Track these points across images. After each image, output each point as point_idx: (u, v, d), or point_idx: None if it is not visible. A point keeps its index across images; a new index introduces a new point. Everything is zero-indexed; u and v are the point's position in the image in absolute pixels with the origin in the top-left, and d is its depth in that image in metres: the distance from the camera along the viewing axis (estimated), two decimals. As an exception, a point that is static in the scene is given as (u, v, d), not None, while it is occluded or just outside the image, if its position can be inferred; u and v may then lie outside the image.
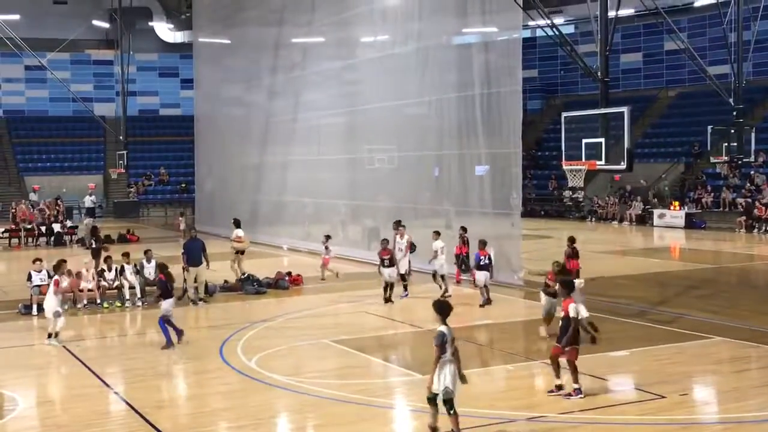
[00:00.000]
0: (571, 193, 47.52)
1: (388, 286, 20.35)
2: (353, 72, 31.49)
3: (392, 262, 20.35)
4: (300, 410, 11.86)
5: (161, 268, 16.94)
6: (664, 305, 19.48)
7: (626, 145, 18.20)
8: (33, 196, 50.65)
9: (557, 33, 21.36)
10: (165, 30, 61.31)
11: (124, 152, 48.06)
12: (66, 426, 11.24)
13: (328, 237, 25.13)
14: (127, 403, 12.20)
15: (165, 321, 15.90)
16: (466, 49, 25.76)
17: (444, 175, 26.60)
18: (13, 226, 38.63)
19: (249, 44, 38.33)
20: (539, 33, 42.05)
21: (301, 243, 32.42)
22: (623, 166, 18.46)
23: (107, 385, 13.29)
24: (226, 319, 18.84)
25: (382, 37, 29.40)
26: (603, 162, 18.84)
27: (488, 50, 24.58)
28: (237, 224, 25.89)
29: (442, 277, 21.00)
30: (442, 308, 10.33)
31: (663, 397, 11.88)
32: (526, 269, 23.12)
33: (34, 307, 19.53)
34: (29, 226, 38.73)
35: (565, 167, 20.22)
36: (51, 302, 16.28)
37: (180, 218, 39.57)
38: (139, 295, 20.74)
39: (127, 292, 20.68)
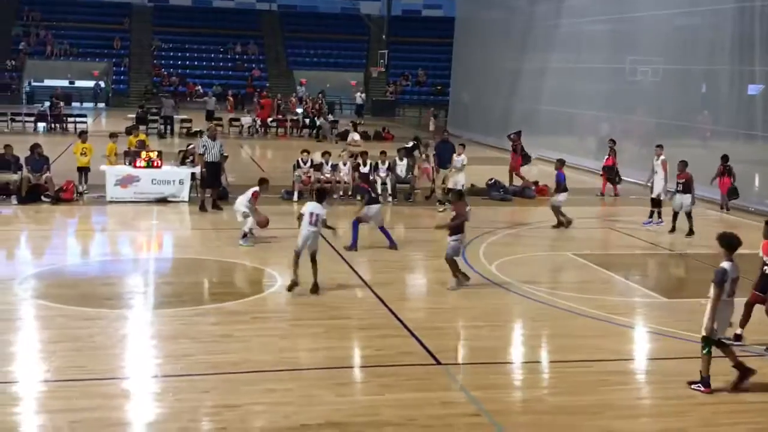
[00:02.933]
0: None
1: (677, 216, 18.30)
2: (623, -23, 30.04)
3: (687, 189, 18.06)
4: (535, 318, 12.00)
5: (364, 177, 17.34)
6: None
7: None
8: (300, 89, 53.56)
9: None
10: (433, -71, 61.38)
11: (385, 51, 49.17)
12: (317, 305, 12.13)
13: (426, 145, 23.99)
14: (372, 291, 12.93)
15: (359, 222, 15.93)
16: (750, -44, 23.66)
17: (711, 92, 24.99)
18: (280, 116, 41.24)
19: (516, -55, 37.55)
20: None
21: (551, 153, 31.99)
22: None
23: (356, 273, 14.12)
24: (470, 223, 19.15)
25: (657, -59, 27.65)
26: None
27: (776, -43, 22.43)
28: (354, 127, 25.98)
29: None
30: (730, 242, 9.24)
31: None
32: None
33: (296, 193, 21.02)
34: (295, 118, 41.22)
35: None
36: (241, 206, 16.05)
37: (431, 117, 40.29)
38: (389, 192, 21.58)
39: (379, 188, 21.56)
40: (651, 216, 19.41)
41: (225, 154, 20.44)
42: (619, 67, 29.44)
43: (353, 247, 15.68)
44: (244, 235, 15.97)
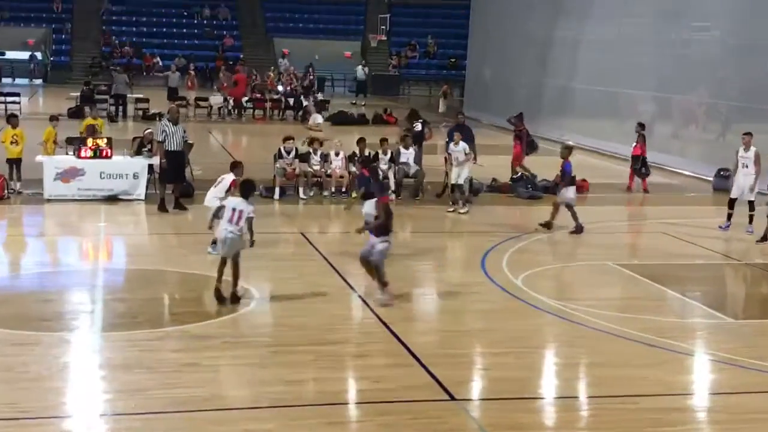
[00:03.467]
0: None
1: None
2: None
3: None
4: (571, 343, 11.97)
5: (366, 161, 16.97)
6: None
7: None
8: (281, 62, 53.53)
9: None
10: None
11: (387, 16, 49.01)
12: (303, 327, 12.07)
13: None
14: (372, 310, 12.90)
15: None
16: None
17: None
18: (258, 95, 41.22)
19: None
20: None
21: (588, 141, 31.98)
22: None
23: (351, 287, 14.09)
24: (492, 226, 19.18)
25: None
26: None
27: None
28: (319, 109, 25.47)
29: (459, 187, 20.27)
30: None
31: None
32: None
33: (277, 190, 21.00)
34: (276, 97, 41.23)
35: None
36: (213, 200, 15.32)
37: (441, 96, 40.31)
38: (392, 188, 21.53)
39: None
40: (729, 219, 19.19)
41: (190, 142, 20.39)
42: (671, 37, 29.44)
43: None
44: (215, 241, 15.76)
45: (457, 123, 22.49)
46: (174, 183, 19.54)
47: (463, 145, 20.26)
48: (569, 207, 18.48)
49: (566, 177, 18.46)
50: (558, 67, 35.98)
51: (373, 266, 13.21)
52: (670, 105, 29.77)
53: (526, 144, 24.21)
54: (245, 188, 13.27)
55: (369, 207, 15.43)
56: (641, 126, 24.91)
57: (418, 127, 23.99)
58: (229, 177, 15.39)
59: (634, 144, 24.54)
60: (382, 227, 13.23)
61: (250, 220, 12.89)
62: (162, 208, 19.23)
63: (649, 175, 24.48)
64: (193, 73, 43.91)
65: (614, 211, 21.46)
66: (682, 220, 20.39)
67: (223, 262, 12.97)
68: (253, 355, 11.04)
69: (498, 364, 11.18)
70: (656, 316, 13.17)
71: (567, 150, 18.90)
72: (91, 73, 49.39)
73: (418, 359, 10.96)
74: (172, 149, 19.24)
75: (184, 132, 19.69)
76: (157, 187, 20.03)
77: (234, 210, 12.83)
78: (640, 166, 24.26)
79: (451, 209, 20.28)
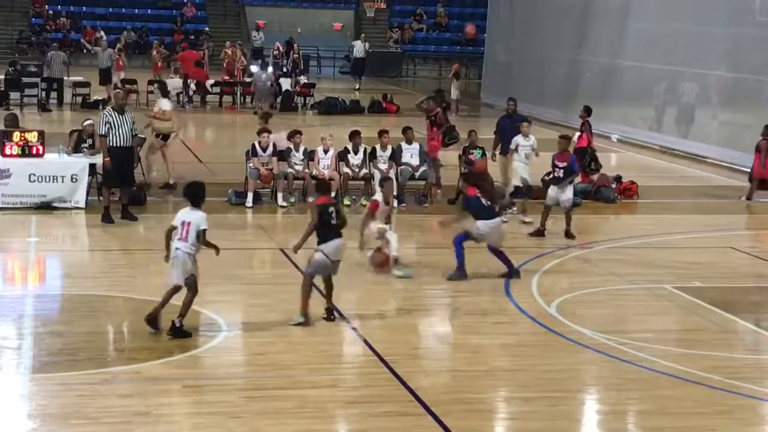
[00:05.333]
0: None
1: None
2: None
3: None
4: (618, 385, 11.96)
5: (476, 177, 16.78)
6: None
7: None
8: (256, 36, 53.52)
9: None
10: None
11: (386, -22, 48.93)
12: (283, 368, 12.08)
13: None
14: (368, 345, 12.89)
15: (462, 241, 15.89)
16: None
17: None
18: (226, 78, 41.18)
19: None
20: None
21: (640, 133, 32.06)
22: None
23: (342, 317, 14.07)
24: (518, 239, 19.14)
25: None
26: None
27: None
28: (163, 91, 24.75)
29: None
30: None
31: None
32: None
33: (250, 195, 20.94)
34: (248, 80, 41.21)
35: None
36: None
37: (453, 78, 40.29)
38: (394, 192, 21.49)
39: (376, 184, 21.44)
40: None
41: (140, 136, 20.32)
42: (747, 3, 29.46)
43: (461, 272, 15.80)
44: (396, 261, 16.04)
45: (507, 112, 22.38)
46: (121, 187, 19.49)
47: (533, 138, 20.67)
48: (549, 208, 18.84)
49: (573, 174, 19.12)
50: (601, 39, 35.92)
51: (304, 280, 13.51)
52: (743, 89, 29.64)
53: (444, 132, 23.40)
54: (190, 193, 13.07)
55: (487, 227, 15.76)
56: (586, 111, 24.72)
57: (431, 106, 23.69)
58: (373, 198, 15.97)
59: (579, 134, 24.07)
60: (316, 233, 13.60)
61: (202, 234, 12.70)
62: (106, 218, 19.20)
63: (599, 170, 24.00)
64: (122, 51, 42.65)
65: (671, 221, 21.43)
66: (755, 231, 20.39)
67: (174, 290, 12.88)
68: (221, 402, 11.02)
69: (527, 412, 11.17)
70: (724, 352, 13.17)
71: (567, 141, 19.48)
72: (17, 51, 49.28)
73: (426, 407, 10.95)
74: (119, 145, 19.16)
75: (133, 123, 19.61)
76: (100, 192, 20.00)
77: (183, 223, 12.72)
78: (588, 160, 23.75)
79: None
